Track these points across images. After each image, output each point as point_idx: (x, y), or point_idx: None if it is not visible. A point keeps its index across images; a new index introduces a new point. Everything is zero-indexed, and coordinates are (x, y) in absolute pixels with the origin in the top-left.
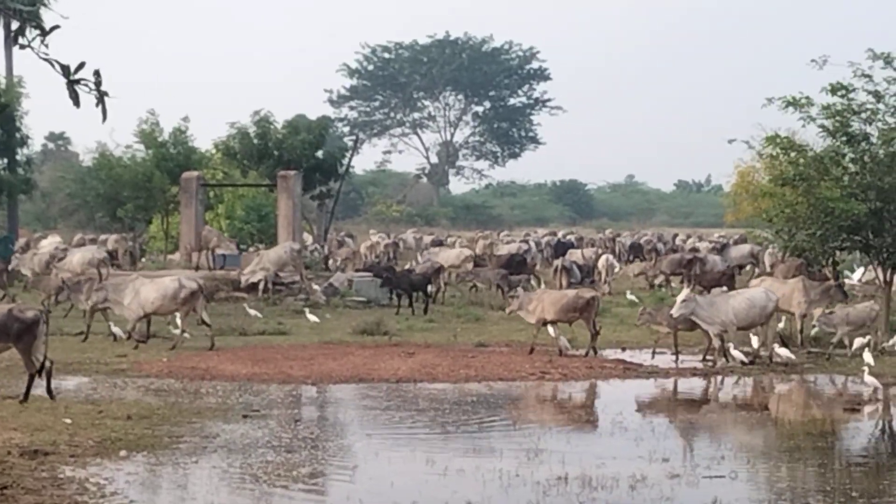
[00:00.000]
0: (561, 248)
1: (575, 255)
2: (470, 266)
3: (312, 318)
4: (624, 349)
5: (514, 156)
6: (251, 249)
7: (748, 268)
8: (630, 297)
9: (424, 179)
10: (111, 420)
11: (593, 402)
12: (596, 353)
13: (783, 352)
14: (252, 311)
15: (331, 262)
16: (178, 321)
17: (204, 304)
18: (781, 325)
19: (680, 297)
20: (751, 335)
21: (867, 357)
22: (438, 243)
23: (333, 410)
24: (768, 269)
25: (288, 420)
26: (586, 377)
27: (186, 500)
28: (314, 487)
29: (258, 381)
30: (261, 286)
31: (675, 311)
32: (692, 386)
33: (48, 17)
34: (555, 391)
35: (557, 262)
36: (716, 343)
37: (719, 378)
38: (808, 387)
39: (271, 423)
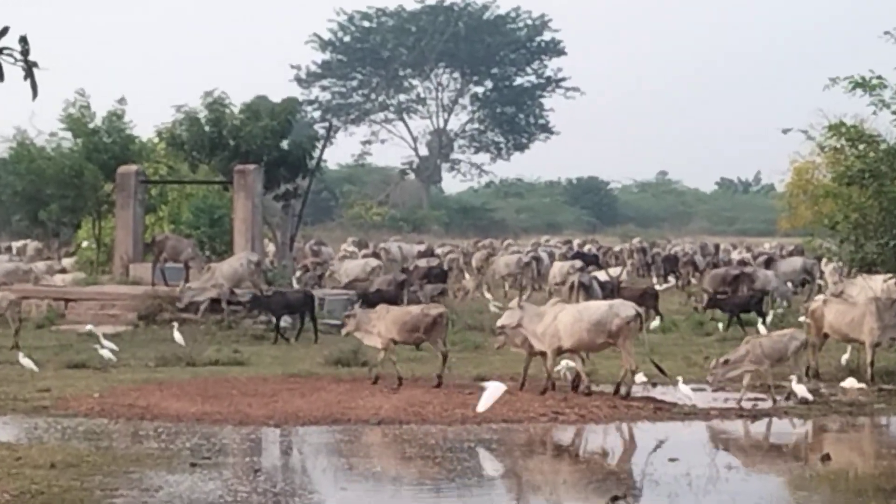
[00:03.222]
0: (579, 262)
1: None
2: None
3: (178, 335)
4: (654, 385)
5: (521, 147)
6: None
7: (805, 286)
8: (655, 321)
9: (412, 176)
10: (31, 469)
11: (617, 449)
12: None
13: (800, 389)
14: (177, 335)
15: (298, 273)
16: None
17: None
18: (847, 355)
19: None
20: (576, 358)
21: None
22: (428, 253)
23: (301, 458)
24: (832, 287)
25: (245, 470)
26: (609, 419)
27: None
28: None
29: (209, 421)
30: (202, 306)
31: (499, 322)
32: (736, 429)
33: None
34: (570, 436)
35: (573, 279)
36: (549, 362)
37: (769, 420)
38: (881, 431)
39: (225, 473)
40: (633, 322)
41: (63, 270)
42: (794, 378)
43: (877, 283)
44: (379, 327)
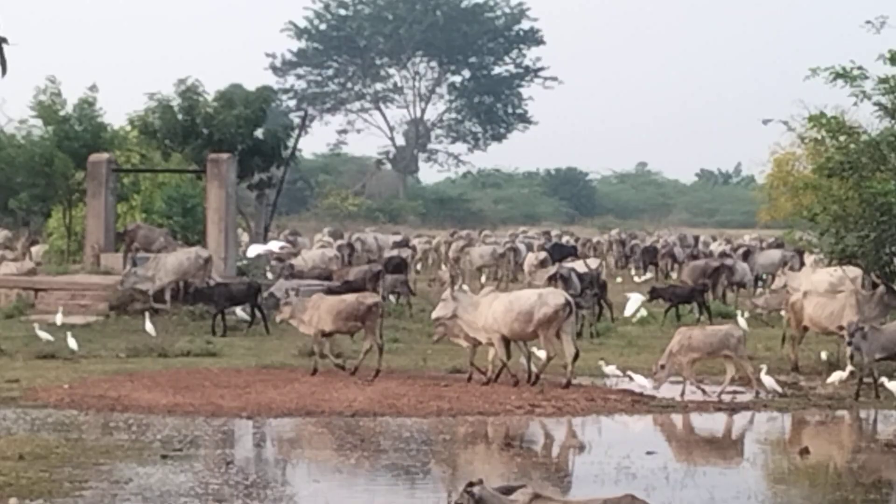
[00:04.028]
0: (557, 253)
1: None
2: (335, 267)
3: (150, 326)
4: (631, 378)
5: (499, 137)
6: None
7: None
8: (640, 313)
9: (388, 166)
10: None
11: (593, 442)
12: (355, 370)
13: (768, 380)
14: (148, 326)
15: (272, 263)
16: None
17: None
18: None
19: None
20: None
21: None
22: (404, 244)
23: (273, 450)
24: (776, 282)
25: (217, 462)
26: (585, 411)
27: None
28: None
29: (181, 413)
30: (167, 296)
31: (434, 313)
32: (714, 423)
33: None
34: (546, 429)
35: (552, 270)
36: (499, 352)
37: (743, 413)
38: (860, 425)
39: (197, 465)
40: (562, 311)
41: (16, 259)
42: (762, 369)
43: (820, 276)
44: (313, 317)
